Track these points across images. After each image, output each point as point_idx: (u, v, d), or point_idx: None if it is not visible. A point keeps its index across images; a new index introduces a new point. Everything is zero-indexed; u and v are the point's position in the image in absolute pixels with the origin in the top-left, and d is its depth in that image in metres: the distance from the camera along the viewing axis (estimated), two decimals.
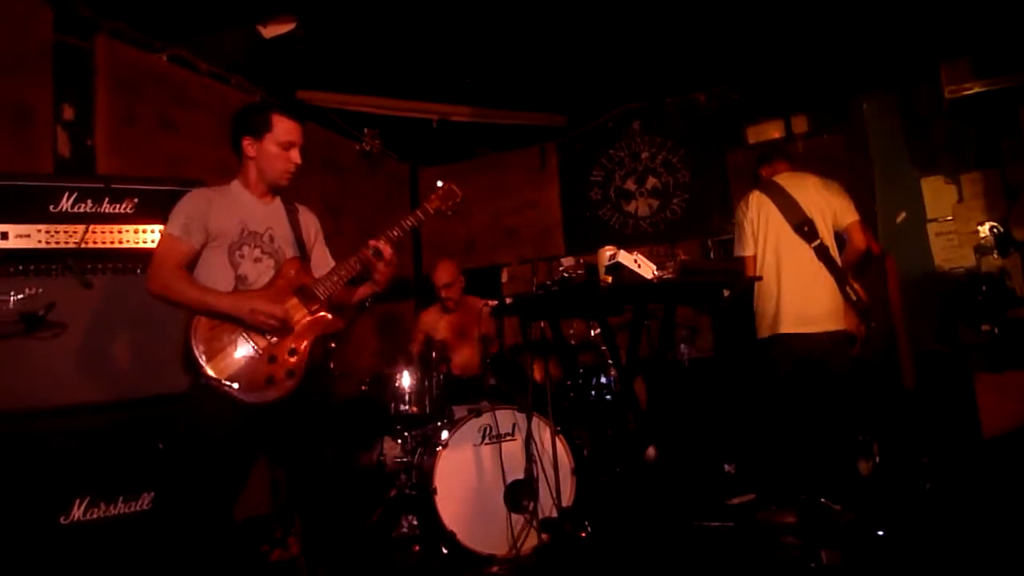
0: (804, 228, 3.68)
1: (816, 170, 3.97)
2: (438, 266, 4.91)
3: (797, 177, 3.87)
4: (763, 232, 3.75)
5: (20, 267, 2.89)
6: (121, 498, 2.94)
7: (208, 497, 2.45)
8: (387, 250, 2.64)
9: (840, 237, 3.78)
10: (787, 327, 3.62)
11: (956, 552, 3.05)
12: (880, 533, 3.28)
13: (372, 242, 2.64)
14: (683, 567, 3.17)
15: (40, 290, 2.88)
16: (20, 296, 2.85)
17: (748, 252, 3.79)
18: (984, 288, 4.51)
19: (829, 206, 3.75)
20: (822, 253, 3.67)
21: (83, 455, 2.88)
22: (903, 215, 3.39)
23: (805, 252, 3.67)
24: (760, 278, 3.70)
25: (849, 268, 3.75)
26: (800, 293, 3.63)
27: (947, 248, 5.00)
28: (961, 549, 3.08)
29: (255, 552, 3.59)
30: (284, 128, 2.58)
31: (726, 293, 3.67)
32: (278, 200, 2.72)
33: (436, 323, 4.90)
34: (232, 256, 2.54)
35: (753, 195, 3.83)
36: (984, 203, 4.96)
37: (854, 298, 3.70)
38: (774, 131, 5.60)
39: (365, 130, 5.89)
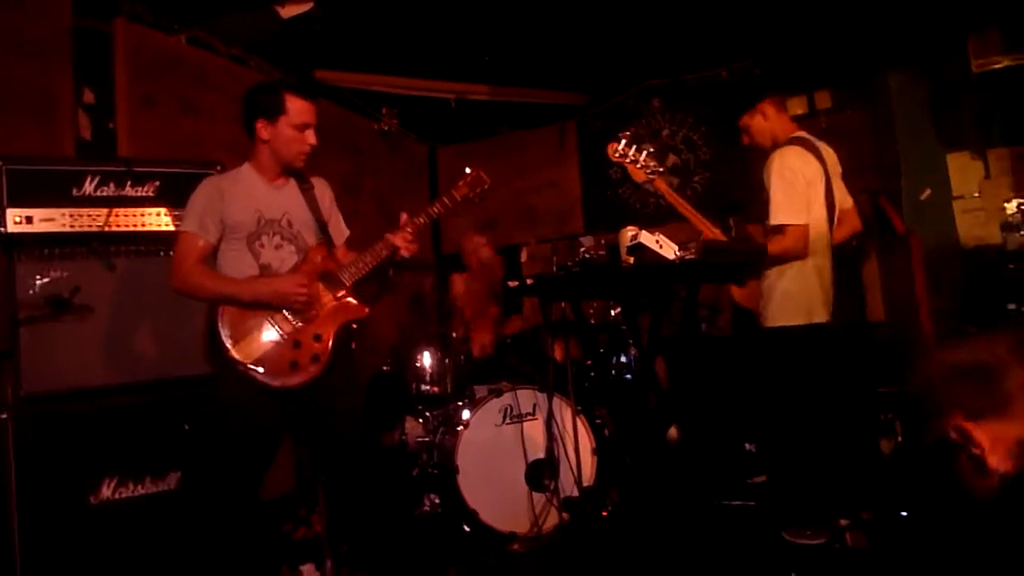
0: (834, 213, 3.25)
1: (839, 147, 3.43)
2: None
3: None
4: (814, 199, 3.16)
5: (45, 251, 2.92)
6: (149, 478, 2.99)
7: (234, 478, 2.49)
8: (412, 238, 2.69)
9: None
10: (823, 316, 3.16)
11: (981, 533, 3.03)
12: (904, 514, 3.26)
13: (398, 231, 2.66)
14: (705, 546, 3.18)
15: (65, 273, 2.93)
16: (46, 280, 2.90)
17: (801, 220, 3.11)
18: (1011, 266, 4.42)
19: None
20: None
21: (111, 436, 2.92)
22: (928, 192, 3.27)
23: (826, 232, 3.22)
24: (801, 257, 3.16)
25: None
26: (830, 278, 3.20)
27: (973, 225, 4.90)
28: (986, 530, 3.05)
29: (279, 531, 3.65)
30: (298, 109, 2.56)
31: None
32: (292, 181, 2.71)
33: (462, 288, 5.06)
34: (252, 246, 2.56)
35: (797, 150, 3.19)
36: (1012, 180, 4.84)
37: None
38: (797, 107, 5.50)
39: (383, 109, 5.88)
